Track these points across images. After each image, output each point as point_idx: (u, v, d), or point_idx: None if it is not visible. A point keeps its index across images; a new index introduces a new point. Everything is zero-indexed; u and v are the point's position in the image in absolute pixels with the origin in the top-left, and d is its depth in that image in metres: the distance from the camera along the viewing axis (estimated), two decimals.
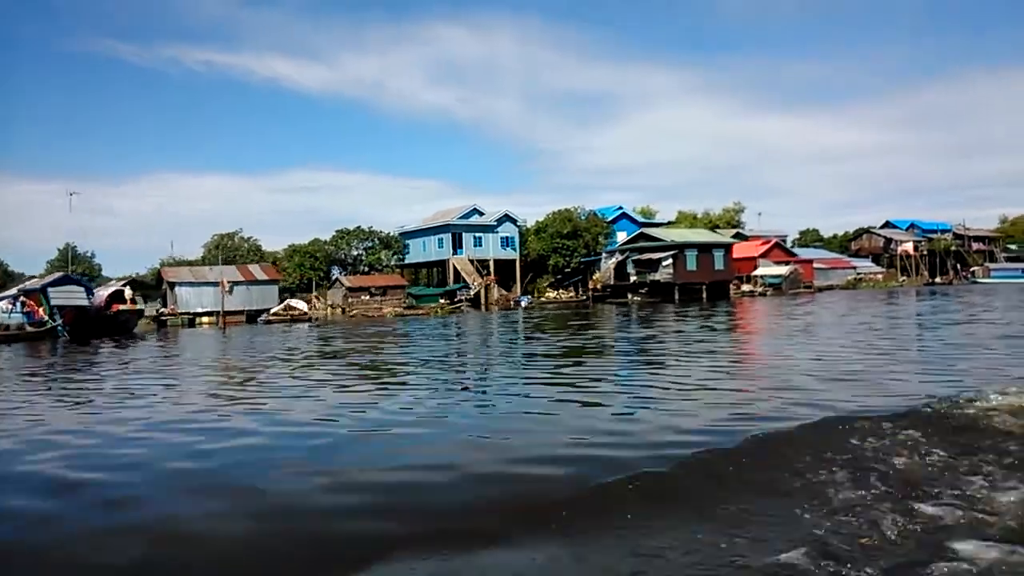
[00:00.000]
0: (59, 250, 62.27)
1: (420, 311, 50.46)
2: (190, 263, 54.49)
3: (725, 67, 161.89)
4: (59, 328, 32.59)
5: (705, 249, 56.50)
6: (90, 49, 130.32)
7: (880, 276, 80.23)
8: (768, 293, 59.66)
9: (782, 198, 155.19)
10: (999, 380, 9.30)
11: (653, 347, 18.15)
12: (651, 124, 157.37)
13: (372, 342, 23.40)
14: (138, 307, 37.78)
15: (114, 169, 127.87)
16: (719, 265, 57.05)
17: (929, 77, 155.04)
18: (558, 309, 48.28)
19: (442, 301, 54.57)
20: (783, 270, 63.91)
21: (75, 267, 52.42)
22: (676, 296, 52.23)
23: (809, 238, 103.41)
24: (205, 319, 46.18)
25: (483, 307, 54.65)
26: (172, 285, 46.93)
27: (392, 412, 9.45)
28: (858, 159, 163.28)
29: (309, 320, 45.69)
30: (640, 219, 73.50)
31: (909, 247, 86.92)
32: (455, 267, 60.49)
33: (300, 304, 48.72)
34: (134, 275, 53.45)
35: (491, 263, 62.54)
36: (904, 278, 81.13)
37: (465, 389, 11.91)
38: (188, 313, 46.12)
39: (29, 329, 31.92)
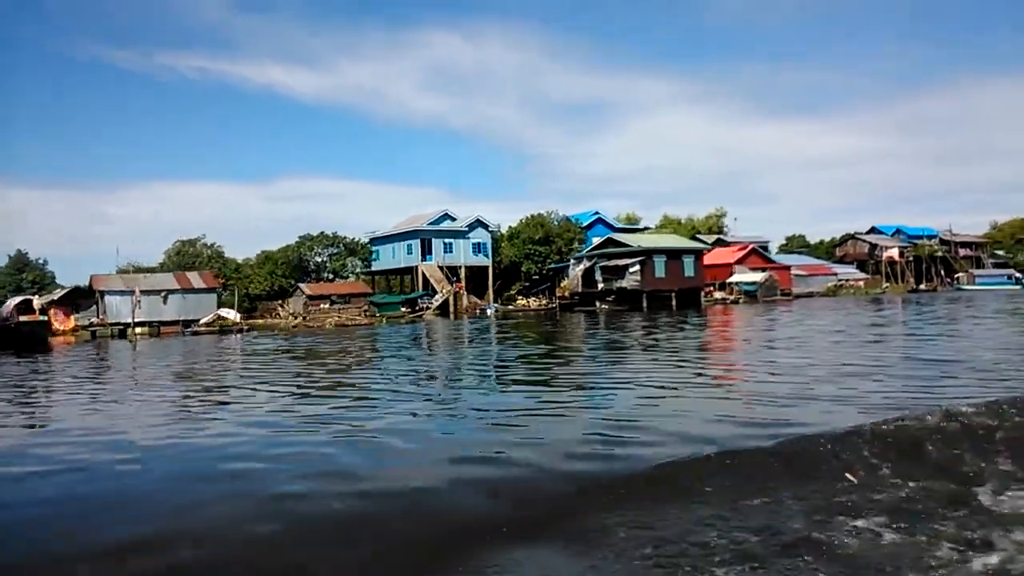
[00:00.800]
0: (10, 257, 60.83)
1: (364, 322, 48.50)
2: (149, 270, 53.35)
3: (721, 75, 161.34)
4: None
5: (674, 255, 55.19)
6: (82, 55, 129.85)
7: (862, 283, 78.84)
8: (741, 301, 58.18)
9: (778, 204, 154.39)
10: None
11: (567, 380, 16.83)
12: (648, 131, 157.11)
13: (268, 359, 22.08)
14: (41, 318, 36.36)
15: (107, 176, 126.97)
16: (689, 272, 55.73)
17: (923, 84, 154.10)
18: (524, 319, 47.01)
19: (403, 309, 53.28)
20: (758, 277, 62.46)
21: (26, 275, 51.24)
22: (644, 304, 50.91)
23: (795, 244, 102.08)
24: (139, 329, 44.50)
25: (452, 315, 53.43)
26: (102, 294, 45.76)
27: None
28: (853, 165, 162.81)
29: (242, 331, 44.07)
30: (617, 225, 72.13)
31: (894, 253, 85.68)
32: (424, 274, 59.32)
33: (230, 314, 47.71)
34: (79, 285, 52.17)
35: (462, 270, 61.40)
36: (887, 285, 79.73)
37: None
38: (118, 324, 44.75)
39: None
